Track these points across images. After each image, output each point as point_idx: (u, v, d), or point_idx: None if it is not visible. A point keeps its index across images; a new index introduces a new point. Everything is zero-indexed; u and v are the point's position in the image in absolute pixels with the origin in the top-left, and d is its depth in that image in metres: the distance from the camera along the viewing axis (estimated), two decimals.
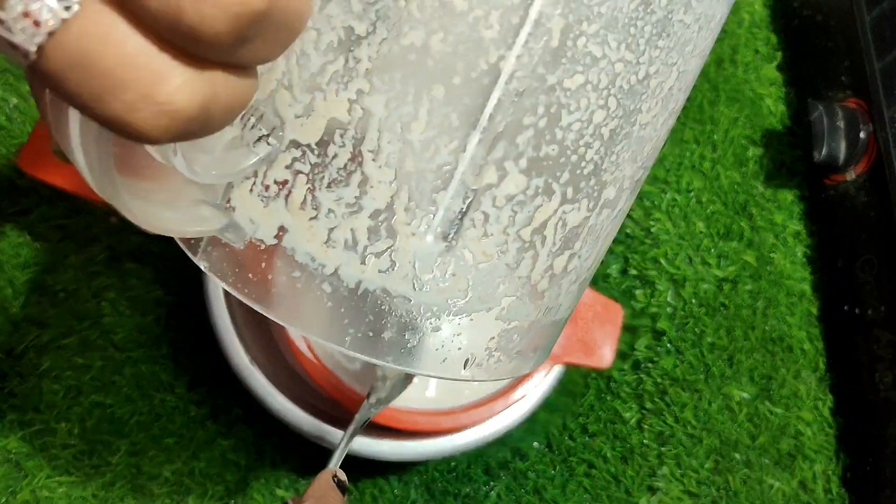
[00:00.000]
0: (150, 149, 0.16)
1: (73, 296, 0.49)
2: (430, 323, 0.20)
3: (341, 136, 0.18)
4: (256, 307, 0.20)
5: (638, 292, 0.56)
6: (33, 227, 0.49)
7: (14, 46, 0.11)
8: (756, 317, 0.58)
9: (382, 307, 0.20)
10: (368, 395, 0.38)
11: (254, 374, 0.43)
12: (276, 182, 0.19)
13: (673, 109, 0.21)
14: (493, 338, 0.21)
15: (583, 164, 0.19)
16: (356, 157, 0.18)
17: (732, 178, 0.60)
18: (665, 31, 0.19)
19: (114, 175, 0.16)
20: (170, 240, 0.54)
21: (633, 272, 0.57)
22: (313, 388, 0.45)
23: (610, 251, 0.57)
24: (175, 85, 0.12)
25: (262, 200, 0.19)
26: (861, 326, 0.56)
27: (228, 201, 0.20)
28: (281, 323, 0.20)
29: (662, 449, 0.55)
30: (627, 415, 0.55)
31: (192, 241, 0.21)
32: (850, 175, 0.58)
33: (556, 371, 0.46)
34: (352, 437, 0.37)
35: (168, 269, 0.50)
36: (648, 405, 0.55)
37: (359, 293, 0.19)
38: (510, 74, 0.18)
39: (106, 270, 0.49)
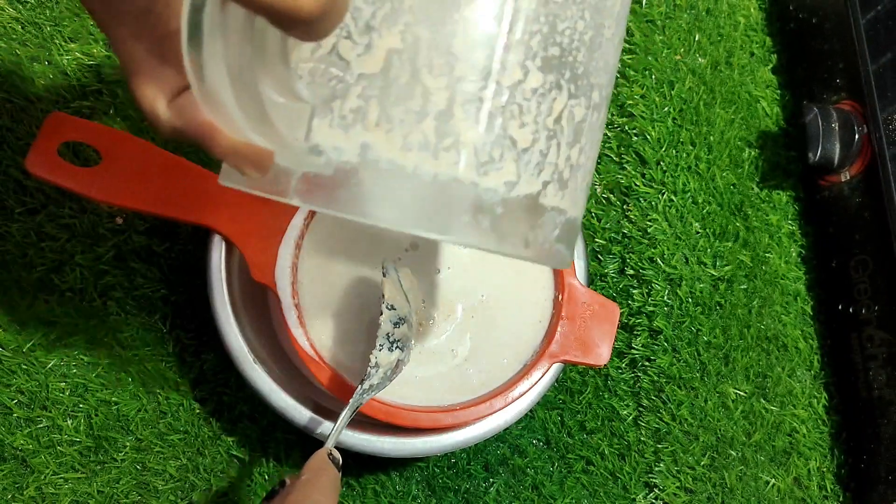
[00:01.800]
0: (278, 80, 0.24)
1: (80, 295, 0.49)
2: (496, 204, 0.26)
3: (399, 59, 0.24)
4: (352, 217, 0.25)
5: (635, 292, 0.57)
6: (40, 227, 0.49)
7: None
8: (751, 316, 0.58)
9: (456, 194, 0.25)
10: (362, 382, 0.39)
11: (257, 371, 0.43)
12: (351, 111, 0.24)
13: (619, 28, 0.29)
14: (541, 218, 0.27)
15: (577, 64, 0.27)
16: (415, 74, 0.24)
17: (728, 179, 0.60)
18: None
19: (258, 91, 0.23)
20: (175, 239, 0.54)
21: (630, 272, 0.57)
22: (316, 385, 0.46)
23: (607, 251, 0.57)
24: None
25: (342, 129, 0.25)
26: (855, 325, 0.57)
27: (312, 138, 0.25)
28: (378, 224, 0.24)
29: (659, 446, 0.55)
30: (624, 412, 0.55)
31: (282, 187, 0.26)
32: (845, 176, 0.58)
33: (554, 369, 0.46)
34: (347, 419, 0.38)
35: (174, 268, 0.51)
36: (645, 402, 0.55)
37: (436, 185, 0.25)
38: None
39: (112, 270, 0.50)
